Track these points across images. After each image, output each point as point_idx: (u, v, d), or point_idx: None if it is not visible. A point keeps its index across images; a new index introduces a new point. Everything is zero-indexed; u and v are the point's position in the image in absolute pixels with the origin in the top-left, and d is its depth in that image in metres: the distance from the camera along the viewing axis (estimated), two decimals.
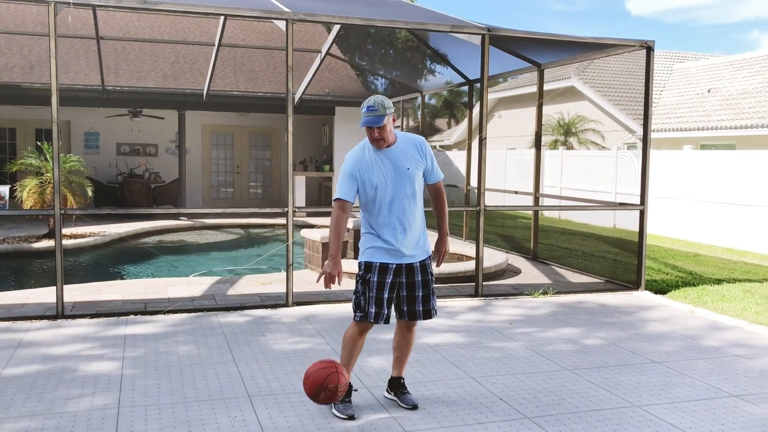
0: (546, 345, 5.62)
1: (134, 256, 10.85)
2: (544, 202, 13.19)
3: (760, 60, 20.43)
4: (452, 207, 14.59)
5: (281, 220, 9.37)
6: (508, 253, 10.17)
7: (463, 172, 12.33)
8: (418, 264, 4.06)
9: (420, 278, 4.06)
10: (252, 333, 5.80)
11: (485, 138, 7.11)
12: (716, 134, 17.46)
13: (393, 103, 13.55)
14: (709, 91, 20.16)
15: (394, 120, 3.95)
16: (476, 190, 7.40)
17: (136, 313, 6.35)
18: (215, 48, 12.23)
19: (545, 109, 20.95)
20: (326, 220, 11.88)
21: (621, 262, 9.48)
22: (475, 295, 7.29)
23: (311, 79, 13.80)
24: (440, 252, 4.25)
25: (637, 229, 7.85)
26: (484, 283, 7.41)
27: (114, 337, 5.61)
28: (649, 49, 7.57)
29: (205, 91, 14.16)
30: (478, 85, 8.36)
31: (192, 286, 7.57)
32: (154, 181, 16.43)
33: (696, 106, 19.68)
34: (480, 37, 7.01)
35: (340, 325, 6.11)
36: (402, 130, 16.22)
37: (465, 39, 7.60)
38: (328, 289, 4.04)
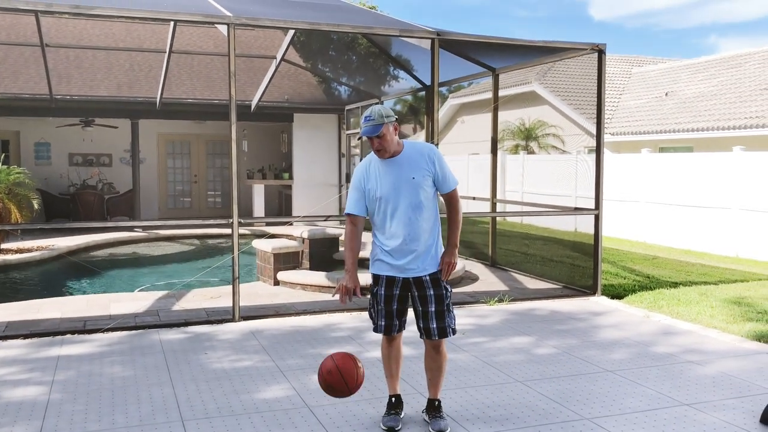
0: (497, 355, 5.48)
1: (83, 271, 10.48)
2: (506, 207, 13.13)
3: (716, 63, 20.74)
4: None
5: (242, 230, 9.09)
6: (466, 259, 10.05)
7: None
8: (427, 277, 3.86)
9: (432, 292, 3.88)
10: (193, 351, 5.56)
11: (437, 144, 6.97)
12: (674, 137, 17.63)
13: (351, 109, 13.37)
14: (666, 94, 20.39)
15: (396, 129, 3.83)
16: None
17: (74, 332, 6.06)
18: (166, 54, 11.93)
19: (506, 114, 21.03)
20: (284, 230, 11.66)
21: (579, 266, 9.41)
22: None
23: (268, 85, 13.56)
24: (446, 264, 3.94)
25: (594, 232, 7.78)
26: None
27: (45, 359, 5.32)
28: (601, 52, 7.53)
29: (158, 99, 13.82)
30: (439, 89, 8.23)
31: (137, 301, 7.29)
32: (108, 192, 16.00)
33: (654, 109, 19.88)
34: (430, 41, 6.88)
35: (286, 339, 5.91)
36: (362, 138, 16.14)
37: (416, 44, 7.46)
38: (343, 303, 3.91)
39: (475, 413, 4.24)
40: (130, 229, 13.81)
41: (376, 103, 14.44)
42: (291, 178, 15.74)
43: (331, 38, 15.74)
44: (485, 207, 10.31)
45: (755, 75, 18.24)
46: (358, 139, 3.95)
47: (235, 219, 6.39)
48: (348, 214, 3.92)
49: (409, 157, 3.86)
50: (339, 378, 3.62)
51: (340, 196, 15.55)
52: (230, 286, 6.61)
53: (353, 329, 6.30)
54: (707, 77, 20.00)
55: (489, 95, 22.10)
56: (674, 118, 18.45)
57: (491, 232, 9.83)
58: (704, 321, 6.62)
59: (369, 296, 4.02)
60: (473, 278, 8.82)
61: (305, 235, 9.26)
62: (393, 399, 4.09)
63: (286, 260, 8.31)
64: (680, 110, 18.70)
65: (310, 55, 16.01)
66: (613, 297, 7.74)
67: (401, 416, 4.07)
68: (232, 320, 6.43)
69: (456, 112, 25.74)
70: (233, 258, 6.40)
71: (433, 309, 3.88)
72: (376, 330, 4.00)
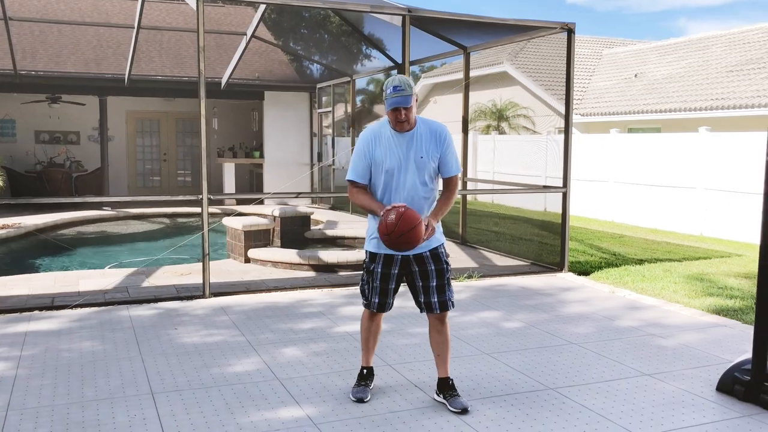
0: (466, 329, 5.57)
1: (51, 249, 10.34)
2: (477, 186, 13.23)
3: (684, 45, 21.01)
4: None
5: (212, 209, 9.06)
6: None
7: None
8: (428, 253, 3.84)
9: (433, 267, 3.85)
10: (163, 326, 5.55)
11: None
12: (643, 118, 17.87)
13: (322, 87, 13.29)
14: (636, 75, 20.61)
15: (416, 101, 3.75)
16: None
17: (41, 309, 6.01)
18: (135, 30, 11.73)
19: (478, 94, 21.07)
20: (255, 209, 11.60)
21: (547, 244, 9.55)
22: None
23: (238, 62, 13.40)
24: (429, 227, 3.76)
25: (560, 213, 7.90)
26: None
27: (13, 334, 5.28)
28: (570, 32, 7.59)
29: (126, 76, 13.60)
30: (411, 68, 8.24)
31: (106, 278, 7.24)
32: (76, 170, 15.77)
33: (623, 90, 20.10)
34: (401, 18, 6.88)
35: (257, 315, 5.93)
36: (333, 115, 16.07)
37: (388, 20, 7.44)
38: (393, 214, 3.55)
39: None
40: (99, 207, 13.64)
41: (346, 82, 14.39)
42: (262, 156, 15.64)
43: (302, 15, 15.62)
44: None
45: (722, 57, 18.52)
46: (388, 110, 3.68)
47: (205, 195, 6.36)
48: (351, 181, 3.81)
49: (421, 134, 3.78)
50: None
51: (311, 173, 15.52)
52: (200, 264, 6.60)
53: (325, 305, 6.34)
54: (675, 59, 20.26)
55: (461, 75, 22.24)
56: (643, 99, 18.68)
57: (461, 211, 9.92)
58: (667, 296, 6.79)
59: (363, 272, 3.99)
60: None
61: (276, 213, 9.25)
62: (365, 371, 4.14)
63: (257, 238, 8.31)
64: (649, 91, 18.94)
65: (281, 32, 15.87)
66: (579, 273, 7.89)
67: (371, 388, 4.13)
68: (202, 296, 6.42)
69: (429, 92, 25.76)
70: (203, 234, 6.38)
71: (434, 284, 3.85)
72: (368, 306, 3.96)
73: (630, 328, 5.68)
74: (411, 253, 3.80)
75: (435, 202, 3.91)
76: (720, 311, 6.19)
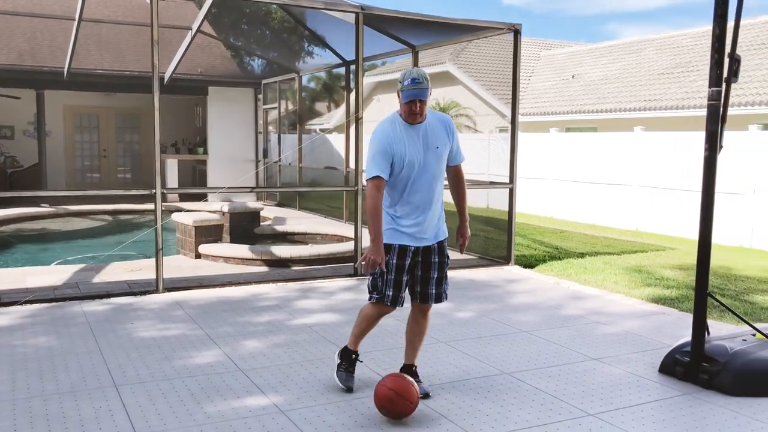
0: None
1: None
2: None
3: (619, 48, 21.80)
4: (333, 188, 14.35)
5: (152, 206, 8.89)
6: None
7: (343, 154, 12.32)
8: (435, 245, 3.91)
9: (437, 259, 3.91)
10: (118, 321, 5.51)
11: (361, 118, 7.11)
12: (580, 117, 18.48)
13: (267, 83, 13.20)
14: (573, 77, 21.28)
15: (430, 95, 3.76)
16: (354, 170, 7.40)
17: None
18: (75, 22, 11.45)
19: None
20: (203, 206, 11.51)
21: (493, 239, 9.82)
22: (354, 274, 7.31)
23: (182, 57, 13.22)
24: (463, 237, 4.06)
25: (507, 207, 8.15)
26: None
27: None
28: (516, 32, 7.85)
29: (65, 69, 13.25)
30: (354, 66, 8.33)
31: (53, 274, 7.10)
32: (11, 165, 15.25)
33: (561, 91, 20.72)
34: (354, 15, 6.98)
35: (213, 309, 5.95)
36: (279, 112, 16.02)
37: (340, 17, 7.54)
38: (369, 274, 3.80)
39: None
40: (36, 203, 13.24)
41: (291, 79, 14.39)
42: (206, 152, 15.48)
43: (244, 11, 15.51)
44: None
45: (654, 60, 19.32)
46: (406, 102, 3.66)
47: (158, 189, 6.33)
48: (376, 178, 3.70)
49: (432, 125, 3.82)
50: (402, 401, 3.62)
51: (257, 172, 15.45)
52: (150, 260, 6.56)
53: (280, 298, 6.40)
54: (610, 61, 21.00)
55: None
56: (580, 99, 19.31)
57: None
58: (609, 287, 7.12)
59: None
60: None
61: (225, 209, 9.22)
62: (354, 355, 4.12)
63: (207, 233, 8.28)
64: (586, 92, 19.58)
65: (223, 28, 15.74)
66: (525, 266, 8.17)
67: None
68: (156, 291, 6.39)
69: (372, 90, 25.90)
70: (156, 229, 6.34)
71: (435, 275, 3.91)
72: (381, 300, 3.86)
73: (576, 316, 5.95)
74: (423, 244, 3.84)
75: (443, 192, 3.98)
76: (658, 300, 6.54)
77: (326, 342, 5.06)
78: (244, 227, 9.30)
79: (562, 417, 3.77)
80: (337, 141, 20.70)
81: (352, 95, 11.50)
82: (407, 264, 3.83)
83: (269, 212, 12.08)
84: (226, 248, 8.04)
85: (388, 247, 3.80)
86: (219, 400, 3.91)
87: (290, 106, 16.08)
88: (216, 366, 4.50)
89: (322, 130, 27.63)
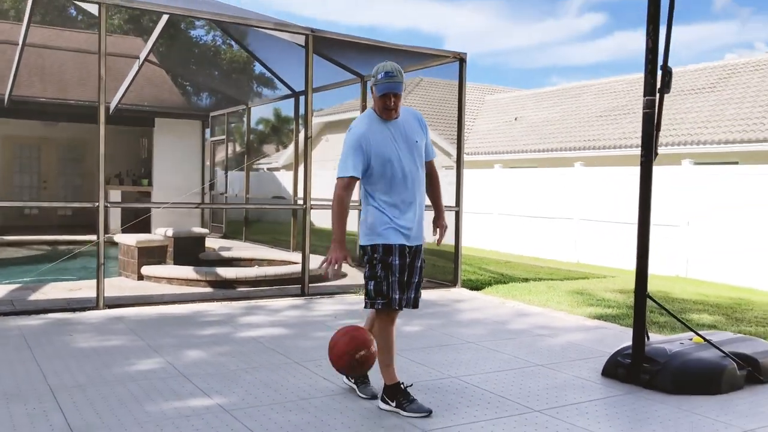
0: None
1: None
2: None
3: (559, 93, 22.61)
4: (282, 206, 14.21)
5: (92, 237, 8.67)
6: None
7: (290, 189, 12.29)
8: (421, 246, 3.82)
9: (419, 263, 3.81)
10: (56, 333, 5.33)
11: (311, 137, 7.16)
12: (523, 157, 18.98)
13: (215, 116, 13.10)
14: (516, 119, 21.91)
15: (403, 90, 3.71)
16: (303, 190, 7.41)
17: None
18: (19, 48, 11.25)
19: None
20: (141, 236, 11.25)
21: (440, 266, 9.90)
22: (302, 295, 7.25)
23: (129, 87, 13.11)
24: (441, 227, 4.00)
25: (453, 233, 8.27)
26: (310, 284, 7.38)
27: None
28: (462, 61, 8.09)
29: (6, 97, 12.94)
30: (303, 97, 8.41)
31: None
32: None
33: (505, 132, 21.29)
34: (304, 37, 7.09)
35: (155, 324, 5.81)
36: (227, 146, 15.95)
37: (290, 39, 7.64)
38: (329, 275, 3.70)
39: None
40: None
41: (243, 109, 14.40)
42: (150, 184, 15.23)
43: (193, 52, 15.58)
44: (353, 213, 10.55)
45: (592, 104, 20.09)
46: (380, 95, 3.61)
47: (101, 202, 6.21)
48: (346, 177, 3.60)
49: (407, 120, 3.77)
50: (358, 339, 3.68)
51: (202, 210, 15.27)
52: (90, 281, 6.38)
53: (226, 315, 6.29)
54: (551, 105, 21.74)
55: (354, 114, 22.65)
56: (523, 140, 19.87)
57: (360, 234, 10.11)
58: (553, 306, 7.24)
59: (374, 270, 3.70)
60: (341, 275, 9.02)
61: (170, 233, 9.06)
62: (403, 385, 3.80)
63: (151, 254, 8.11)
64: (528, 133, 20.17)
65: (172, 65, 15.71)
66: (472, 289, 8.25)
67: None
68: (96, 308, 6.20)
69: (321, 129, 26.08)
70: (98, 243, 6.19)
71: (416, 280, 3.82)
72: (388, 305, 3.67)
73: (521, 330, 6.03)
74: (414, 243, 3.75)
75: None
76: (600, 317, 6.69)
77: (274, 352, 4.99)
78: (188, 252, 9.13)
79: (509, 413, 3.80)
80: (284, 177, 20.71)
81: (301, 135, 11.61)
82: (407, 264, 3.72)
83: (215, 243, 11.91)
84: (169, 269, 7.88)
85: (389, 248, 3.67)
86: (161, 401, 3.80)
87: (238, 139, 16.05)
88: (158, 372, 4.38)
89: (270, 169, 27.58)
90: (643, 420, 3.73)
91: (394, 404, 3.74)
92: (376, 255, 3.70)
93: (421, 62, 8.64)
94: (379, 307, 3.70)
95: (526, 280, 9.16)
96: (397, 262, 3.67)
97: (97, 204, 6.21)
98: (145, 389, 4.00)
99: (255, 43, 11.35)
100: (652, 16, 4.35)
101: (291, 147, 28.72)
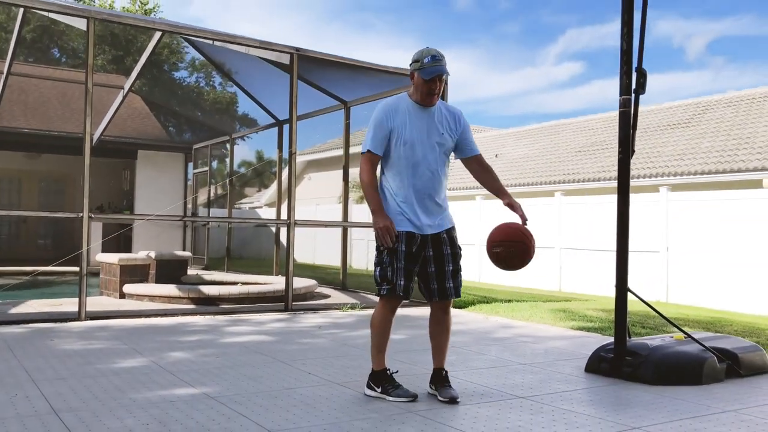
0: (353, 340, 5.72)
1: None
2: (352, 233, 13.54)
3: (538, 131, 23.04)
4: (265, 220, 14.04)
5: (74, 268, 8.63)
6: (319, 285, 10.25)
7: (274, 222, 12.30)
8: (445, 235, 3.73)
9: (449, 251, 3.73)
10: (39, 338, 5.28)
11: (295, 152, 7.26)
12: None
13: (200, 148, 13.17)
14: (496, 156, 22.23)
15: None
16: (287, 205, 7.46)
17: None
18: (3, 76, 11.33)
19: (353, 171, 21.77)
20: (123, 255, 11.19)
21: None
22: (286, 310, 7.24)
23: (112, 118, 13.18)
24: (515, 205, 3.93)
25: None
26: (294, 303, 7.38)
27: None
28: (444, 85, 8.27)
29: None
30: (287, 126, 8.52)
31: None
32: None
33: None
34: (289, 56, 7.24)
35: (138, 332, 5.77)
36: (210, 177, 16.00)
37: (274, 59, 7.79)
38: (388, 245, 3.56)
39: (336, 372, 4.43)
40: None
41: (223, 142, 14.50)
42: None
43: (176, 93, 15.71)
44: (337, 233, 10.56)
45: (570, 140, 20.47)
46: (427, 80, 3.57)
47: (86, 213, 6.21)
48: (369, 152, 3.63)
49: (441, 112, 3.75)
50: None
51: (184, 238, 15.22)
52: (71, 298, 6.33)
53: (209, 325, 6.27)
54: (531, 142, 22.13)
55: (335, 153, 22.79)
56: (503, 175, 20.11)
57: (342, 259, 10.14)
58: (536, 320, 7.29)
59: (381, 255, 3.69)
60: (325, 296, 9.03)
61: (153, 254, 9.03)
62: (389, 371, 3.81)
63: (133, 273, 8.07)
64: (509, 169, 20.46)
65: (154, 105, 15.84)
66: (455, 308, 8.27)
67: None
68: (78, 319, 6.15)
69: (303, 168, 26.25)
70: (82, 253, 6.18)
71: (450, 268, 3.73)
72: (392, 291, 3.62)
73: (505, 338, 6.06)
74: (429, 232, 3.69)
75: (446, 182, 3.86)
76: (582, 328, 6.74)
77: (258, 354, 4.97)
78: (170, 275, 9.07)
79: (494, 399, 3.82)
80: (266, 213, 20.78)
81: (285, 173, 11.73)
82: (414, 252, 3.67)
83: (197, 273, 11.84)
84: (151, 287, 7.84)
85: (396, 235, 3.64)
86: (145, 391, 3.78)
87: (222, 171, 16.09)
88: (142, 368, 4.35)
89: (252, 208, 27.61)
90: (626, 404, 3.77)
91: (379, 390, 3.76)
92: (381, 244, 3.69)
93: (405, 87, 8.81)
94: (384, 293, 3.66)
95: (509, 301, 9.21)
96: (404, 249, 3.63)
97: (81, 215, 6.20)
98: (128, 381, 3.98)
99: (239, 73, 11.53)
100: (626, 21, 4.54)
101: (273, 186, 28.89)
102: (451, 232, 3.80)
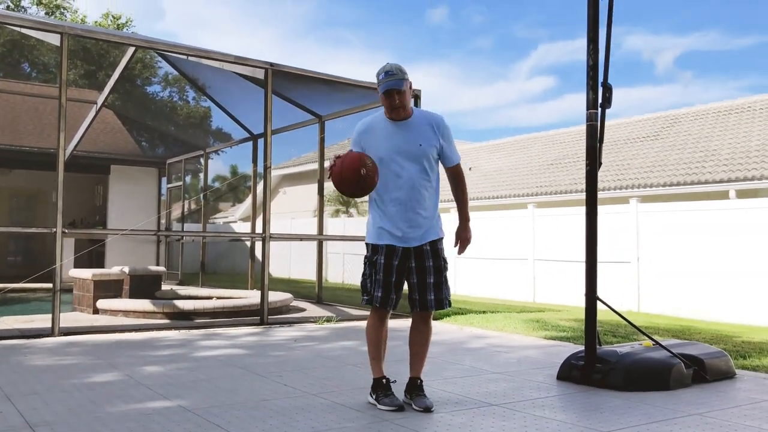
0: (328, 352, 5.76)
1: None
2: (327, 247, 13.55)
3: (510, 144, 23.33)
4: (240, 234, 14.05)
5: (47, 284, 8.54)
6: (295, 299, 10.25)
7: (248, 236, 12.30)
8: (428, 247, 3.77)
9: (431, 263, 3.76)
10: (12, 354, 5.23)
11: (270, 166, 7.30)
12: (478, 204, 19.35)
13: (174, 162, 13.16)
14: (470, 169, 22.44)
15: (411, 88, 3.75)
16: (262, 219, 7.49)
17: None
18: None
19: (327, 184, 21.86)
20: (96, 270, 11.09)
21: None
22: (261, 324, 7.25)
23: (84, 133, 13.10)
24: (462, 239, 3.95)
25: None
26: (269, 316, 7.39)
27: None
28: (416, 98, 8.39)
29: None
30: (262, 140, 8.55)
31: None
32: None
33: None
34: (264, 71, 7.30)
35: (112, 347, 5.75)
36: (184, 191, 15.93)
37: (249, 74, 7.83)
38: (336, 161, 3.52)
39: (312, 383, 4.46)
40: None
41: (200, 155, 14.48)
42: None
43: (149, 108, 15.68)
44: (312, 247, 10.59)
45: (542, 153, 20.76)
46: (383, 94, 3.66)
47: (59, 228, 6.18)
48: None
49: (418, 123, 3.77)
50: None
51: (158, 253, 15.12)
52: (43, 314, 6.29)
53: (182, 340, 6.26)
54: (504, 155, 22.39)
55: (309, 167, 22.80)
56: (477, 188, 20.32)
57: (318, 273, 10.17)
58: (509, 330, 7.39)
59: (364, 266, 3.83)
60: (301, 309, 9.04)
61: (126, 270, 8.99)
62: (385, 380, 3.89)
63: (107, 288, 8.02)
64: (482, 181, 20.66)
65: (127, 119, 15.77)
66: None
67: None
68: (51, 335, 6.10)
69: (278, 182, 26.23)
70: (56, 269, 6.14)
71: (432, 280, 3.77)
72: (370, 301, 3.76)
73: (479, 348, 6.14)
74: (410, 245, 3.74)
75: (437, 193, 3.89)
76: (554, 338, 6.85)
77: (233, 366, 4.99)
78: (144, 290, 9.03)
79: (468, 407, 3.88)
80: (241, 227, 20.71)
81: (259, 187, 11.76)
82: (395, 264, 3.72)
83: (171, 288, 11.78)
84: (125, 302, 7.80)
85: (376, 247, 3.76)
86: (121, 404, 3.78)
87: (195, 186, 16.04)
88: (117, 383, 4.35)
89: (226, 223, 27.48)
90: (597, 409, 3.86)
91: (374, 397, 3.86)
92: (366, 253, 3.85)
93: (378, 101, 8.90)
94: (364, 303, 3.83)
95: (483, 312, 9.30)
96: (382, 261, 3.71)
97: (54, 230, 6.17)
98: (104, 395, 3.98)
99: (213, 88, 11.54)
100: (591, 38, 4.68)
101: (248, 200, 28.80)
102: (435, 244, 3.83)
